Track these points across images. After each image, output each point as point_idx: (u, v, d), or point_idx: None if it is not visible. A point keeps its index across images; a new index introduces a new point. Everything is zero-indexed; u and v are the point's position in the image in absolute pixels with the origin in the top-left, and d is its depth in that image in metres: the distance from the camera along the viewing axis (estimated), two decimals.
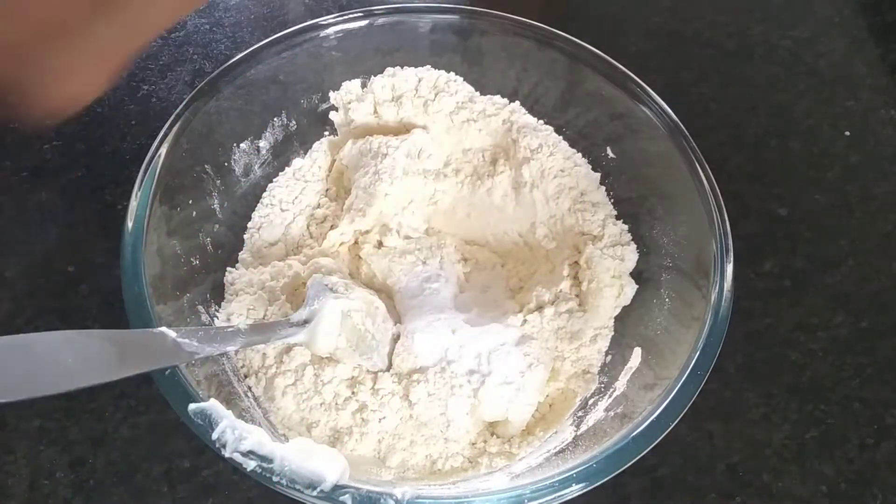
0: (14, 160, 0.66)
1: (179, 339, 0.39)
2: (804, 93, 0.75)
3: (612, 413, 0.46)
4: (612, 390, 0.49)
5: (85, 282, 0.59)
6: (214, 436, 0.38)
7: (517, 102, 0.59)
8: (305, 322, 0.47)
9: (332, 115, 0.61)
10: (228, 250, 0.55)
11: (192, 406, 0.38)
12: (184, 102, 0.51)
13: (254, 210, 0.58)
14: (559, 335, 0.52)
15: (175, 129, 0.50)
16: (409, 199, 0.58)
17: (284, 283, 0.53)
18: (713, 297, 0.45)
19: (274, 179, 0.59)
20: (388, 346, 0.51)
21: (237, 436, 0.38)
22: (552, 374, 0.51)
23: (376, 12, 0.57)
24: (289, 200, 0.58)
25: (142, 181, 0.47)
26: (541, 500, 0.38)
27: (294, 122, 0.59)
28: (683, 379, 0.42)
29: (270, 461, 0.37)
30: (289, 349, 0.49)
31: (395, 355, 0.50)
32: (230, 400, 0.44)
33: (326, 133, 0.62)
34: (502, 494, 0.38)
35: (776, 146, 0.71)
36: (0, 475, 0.50)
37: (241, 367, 0.49)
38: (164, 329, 0.40)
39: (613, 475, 0.39)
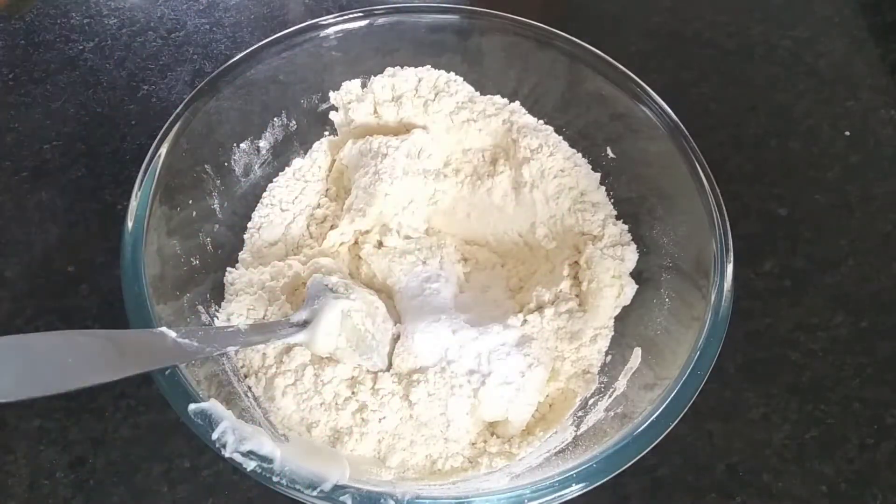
0: (14, 160, 0.66)
1: (179, 339, 0.39)
2: (804, 93, 0.75)
3: (612, 413, 0.46)
4: (612, 390, 0.49)
5: (85, 282, 0.59)
6: (214, 436, 0.38)
7: (517, 102, 0.60)
8: (305, 322, 0.47)
9: (332, 115, 0.61)
10: (228, 250, 0.55)
11: (192, 406, 0.38)
12: (184, 102, 0.51)
13: (254, 210, 0.58)
14: (559, 335, 0.52)
15: (175, 129, 0.50)
16: (409, 199, 0.57)
17: (284, 283, 0.53)
18: (713, 297, 0.45)
19: (274, 179, 0.59)
20: (388, 346, 0.51)
21: (237, 436, 0.38)
22: (552, 374, 0.51)
23: (376, 12, 0.57)
24: (289, 200, 0.58)
25: (142, 181, 0.47)
26: (541, 500, 0.38)
27: (294, 122, 0.59)
28: (683, 379, 0.42)
29: (270, 461, 0.37)
30: (289, 349, 0.49)
31: (395, 355, 0.50)
32: (230, 400, 0.44)
33: (326, 133, 0.62)
34: (502, 494, 0.38)
35: (776, 146, 0.71)
36: (0, 475, 0.50)
37: (241, 367, 0.49)
38: (164, 329, 0.40)
39: (613, 475, 0.39)
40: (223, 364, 0.48)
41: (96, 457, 0.51)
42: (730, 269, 0.46)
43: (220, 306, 0.51)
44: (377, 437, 0.47)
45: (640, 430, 0.40)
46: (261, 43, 0.55)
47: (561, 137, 0.58)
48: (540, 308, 0.53)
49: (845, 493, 0.52)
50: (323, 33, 0.57)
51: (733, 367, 0.57)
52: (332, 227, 0.58)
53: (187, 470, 0.51)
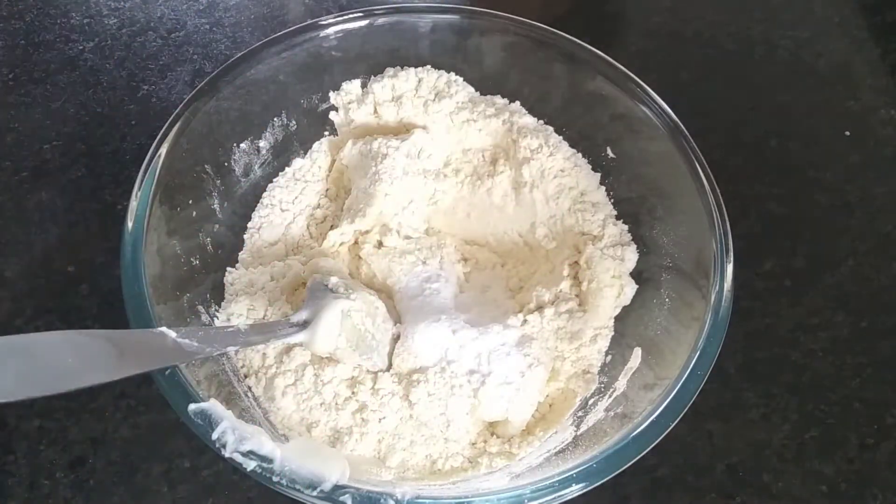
0: (14, 160, 0.66)
1: (179, 339, 0.39)
2: (804, 93, 0.75)
3: (612, 413, 0.46)
4: (612, 390, 0.49)
5: (85, 282, 0.59)
6: (214, 436, 0.38)
7: (517, 103, 0.60)
8: (305, 322, 0.47)
9: (332, 116, 0.61)
10: (228, 250, 0.55)
11: (192, 406, 0.38)
12: (184, 102, 0.51)
13: (254, 210, 0.58)
14: (559, 335, 0.52)
15: (175, 129, 0.50)
16: (409, 199, 0.57)
17: (284, 283, 0.53)
18: (713, 297, 0.45)
19: (274, 180, 0.59)
20: (388, 346, 0.51)
21: (237, 436, 0.38)
22: (552, 374, 0.51)
23: (376, 12, 0.57)
24: (289, 200, 0.58)
25: (142, 181, 0.47)
26: (541, 500, 0.38)
27: (294, 122, 0.59)
28: (683, 379, 0.42)
29: (270, 461, 0.37)
30: (289, 349, 0.49)
31: (395, 355, 0.50)
32: (230, 400, 0.44)
33: (326, 133, 0.62)
34: (502, 494, 0.38)
35: (776, 146, 0.71)
36: (0, 475, 0.50)
37: (241, 367, 0.49)
38: (164, 329, 0.40)
39: (613, 475, 0.39)
40: (223, 364, 0.48)
41: (96, 457, 0.51)
42: (730, 269, 0.46)
43: (220, 306, 0.51)
44: (377, 437, 0.47)
45: (639, 430, 0.40)
46: (261, 43, 0.55)
47: (561, 137, 0.58)
48: (540, 308, 0.53)
49: (845, 493, 0.52)
50: (323, 33, 0.57)
51: (733, 367, 0.57)
52: (331, 227, 0.57)
53: (187, 470, 0.51)
